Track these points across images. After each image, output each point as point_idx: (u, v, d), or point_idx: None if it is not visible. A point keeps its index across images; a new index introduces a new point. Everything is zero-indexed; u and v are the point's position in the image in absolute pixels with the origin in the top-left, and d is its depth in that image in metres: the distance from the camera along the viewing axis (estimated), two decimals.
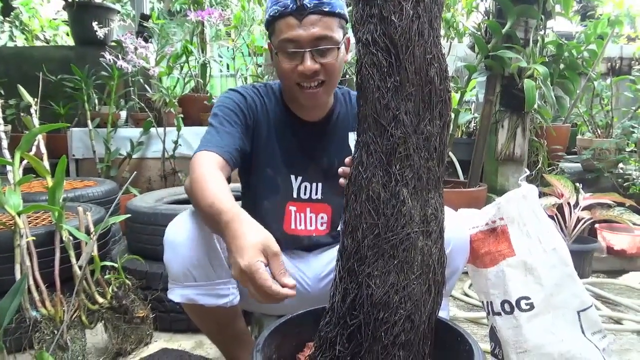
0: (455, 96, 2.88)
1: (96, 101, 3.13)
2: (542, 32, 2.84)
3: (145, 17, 3.67)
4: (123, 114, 3.35)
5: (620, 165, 2.96)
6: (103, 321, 1.57)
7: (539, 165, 2.91)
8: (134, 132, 3.00)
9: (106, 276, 1.58)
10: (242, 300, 1.24)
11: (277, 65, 1.20)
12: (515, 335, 1.13)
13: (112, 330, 1.57)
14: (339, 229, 1.24)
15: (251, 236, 0.86)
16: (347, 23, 1.20)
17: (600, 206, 2.41)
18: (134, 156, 2.96)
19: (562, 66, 2.85)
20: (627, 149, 2.94)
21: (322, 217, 1.33)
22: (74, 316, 1.48)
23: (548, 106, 2.91)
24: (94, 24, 3.22)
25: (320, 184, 1.32)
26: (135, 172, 1.61)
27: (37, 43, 4.94)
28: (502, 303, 1.16)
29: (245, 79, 3.40)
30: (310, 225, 1.33)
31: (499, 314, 1.17)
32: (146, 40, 2.84)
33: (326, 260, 1.32)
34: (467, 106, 3.58)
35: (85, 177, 2.79)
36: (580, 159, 3.00)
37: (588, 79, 3.01)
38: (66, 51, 3.96)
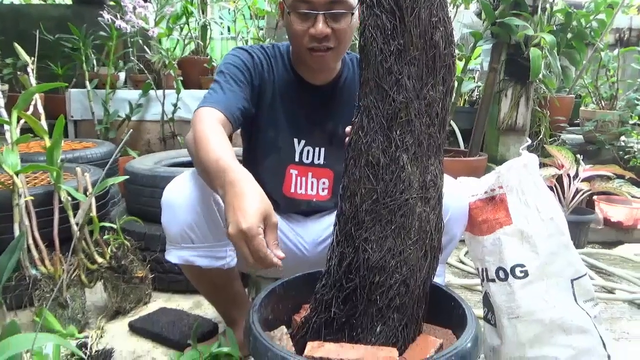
0: (459, 64, 2.84)
1: (94, 62, 3.08)
2: (551, 0, 2.77)
3: None
4: (122, 75, 3.30)
5: (622, 137, 2.94)
6: (102, 280, 1.59)
7: (541, 136, 2.89)
8: (133, 94, 2.97)
9: (105, 237, 1.59)
10: (240, 263, 1.25)
11: (288, 25, 1.18)
12: (508, 302, 1.15)
13: (111, 290, 1.59)
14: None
15: (256, 201, 0.85)
16: None
17: (600, 178, 2.41)
18: (133, 118, 2.93)
19: (569, 35, 2.80)
20: (630, 122, 2.92)
21: (323, 183, 1.33)
22: (73, 275, 1.50)
23: (553, 76, 2.86)
24: None
25: (323, 149, 1.31)
26: (131, 130, 1.59)
27: (34, 0, 4.83)
28: (497, 270, 1.17)
29: (246, 42, 3.34)
30: (311, 190, 1.33)
31: (493, 280, 1.18)
32: (145, 0, 2.77)
33: (324, 225, 1.33)
34: (470, 74, 3.53)
35: (84, 138, 2.77)
36: (582, 130, 2.98)
37: (595, 50, 2.96)
38: (64, 10, 3.87)
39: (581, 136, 3.04)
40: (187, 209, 1.12)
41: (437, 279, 1.16)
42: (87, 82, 2.86)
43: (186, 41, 3.24)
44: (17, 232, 1.46)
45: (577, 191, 2.38)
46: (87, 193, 1.59)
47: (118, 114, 2.89)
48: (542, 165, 2.47)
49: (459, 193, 1.21)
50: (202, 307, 1.69)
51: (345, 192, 0.90)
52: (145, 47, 3.05)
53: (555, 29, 2.72)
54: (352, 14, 1.15)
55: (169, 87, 2.95)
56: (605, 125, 2.82)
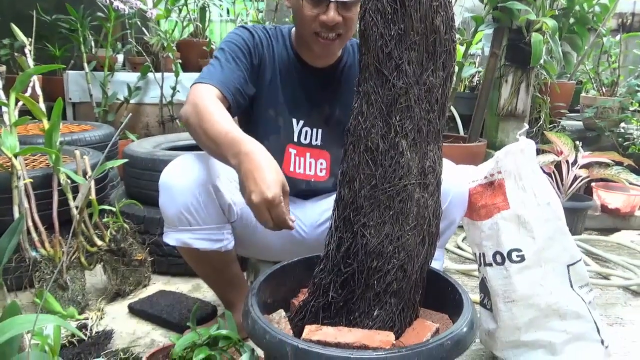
0: (460, 49, 2.81)
1: (92, 43, 3.05)
2: None
3: None
4: (120, 57, 3.27)
5: (622, 124, 2.93)
6: (102, 263, 1.60)
7: (541, 122, 2.88)
8: (132, 77, 2.94)
9: (104, 220, 1.60)
10: (238, 246, 1.26)
11: (297, 9, 1.18)
12: (504, 286, 1.16)
13: (111, 272, 1.60)
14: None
15: (275, 171, 0.93)
16: None
17: (599, 165, 2.41)
18: (132, 101, 2.92)
19: (571, 20, 2.77)
20: (631, 108, 2.91)
21: (321, 163, 1.35)
22: (73, 257, 1.51)
23: (554, 62, 2.84)
24: None
25: (320, 130, 1.33)
26: (130, 114, 1.59)
27: None
28: (494, 254, 1.18)
29: (246, 24, 3.30)
30: (310, 170, 1.34)
31: (490, 264, 1.19)
32: None
33: (323, 208, 1.33)
34: (471, 59, 3.50)
35: (82, 121, 2.76)
36: (582, 117, 2.97)
37: (597, 35, 2.93)
38: None
39: (581, 123, 3.03)
40: (185, 191, 1.12)
41: (436, 263, 1.17)
42: (85, 64, 2.84)
43: (185, 23, 3.21)
44: (16, 215, 1.46)
45: (575, 178, 2.38)
46: (87, 176, 1.59)
47: (117, 96, 2.87)
48: (541, 151, 2.47)
49: (459, 178, 1.22)
50: (201, 290, 1.70)
51: (344, 178, 0.91)
52: (143, 28, 3.02)
53: (557, 13, 2.70)
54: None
55: (167, 69, 2.93)
56: (606, 111, 2.81)
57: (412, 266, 0.88)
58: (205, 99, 1.08)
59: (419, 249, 0.89)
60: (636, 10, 3.82)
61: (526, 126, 1.30)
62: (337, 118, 1.32)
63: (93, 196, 1.53)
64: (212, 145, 1.02)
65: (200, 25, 3.29)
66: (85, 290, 1.55)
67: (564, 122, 3.01)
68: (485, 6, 2.66)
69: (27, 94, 1.63)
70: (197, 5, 3.26)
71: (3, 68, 2.72)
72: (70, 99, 2.93)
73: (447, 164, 1.07)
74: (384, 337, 0.82)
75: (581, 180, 2.38)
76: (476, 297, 1.39)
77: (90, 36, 2.99)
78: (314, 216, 1.35)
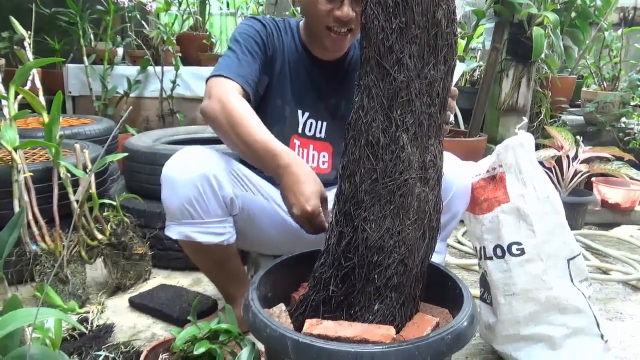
0: (462, 43, 2.81)
1: (92, 37, 3.04)
2: None
3: None
4: (120, 50, 3.26)
5: (623, 119, 2.92)
6: (102, 257, 1.60)
7: (541, 117, 2.88)
8: (131, 70, 2.94)
9: (105, 214, 1.60)
10: (239, 239, 1.26)
11: (310, 3, 1.18)
12: (504, 279, 1.16)
13: (112, 266, 1.60)
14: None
15: (313, 183, 0.99)
16: None
17: (599, 160, 2.41)
18: (132, 95, 2.91)
19: (573, 14, 2.75)
20: (632, 103, 2.90)
21: (324, 156, 1.36)
22: (73, 251, 1.51)
23: (555, 56, 2.83)
24: None
25: (325, 123, 1.34)
26: (131, 107, 1.58)
27: None
28: (495, 248, 1.18)
29: (255, 16, 3.29)
30: (312, 162, 1.35)
31: (490, 258, 1.19)
32: None
33: None
34: (472, 54, 3.49)
35: (82, 114, 2.76)
36: (583, 111, 2.96)
37: (599, 29, 2.91)
38: None
39: (582, 117, 3.02)
40: (187, 184, 1.12)
41: (437, 256, 1.17)
42: (85, 58, 2.83)
43: (185, 16, 3.19)
44: (17, 208, 1.46)
45: (575, 172, 2.38)
46: (87, 170, 1.59)
47: (116, 90, 2.87)
48: (542, 146, 2.47)
49: (462, 171, 1.23)
50: (201, 284, 1.70)
51: (345, 172, 0.90)
52: (143, 22, 3.01)
53: (559, 7, 2.68)
54: None
55: (167, 63, 2.92)
56: (607, 106, 2.80)
57: (413, 260, 0.88)
58: (232, 98, 1.09)
59: (419, 243, 0.89)
60: (638, 4, 3.79)
61: (525, 120, 1.30)
62: (342, 112, 1.33)
63: (93, 190, 1.52)
64: (249, 153, 1.07)
65: (200, 19, 3.28)
66: (85, 284, 1.55)
67: (564, 116, 3.00)
68: (486, 0, 2.65)
69: (27, 88, 1.63)
70: None
71: (2, 61, 2.71)
72: (70, 92, 2.92)
73: (449, 157, 1.07)
74: (384, 331, 0.82)
75: (581, 175, 2.38)
76: (476, 291, 1.39)
77: (89, 29, 2.98)
78: None
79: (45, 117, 1.60)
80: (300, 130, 1.33)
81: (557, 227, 1.15)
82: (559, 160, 2.40)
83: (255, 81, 1.20)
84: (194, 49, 3.16)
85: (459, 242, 2.17)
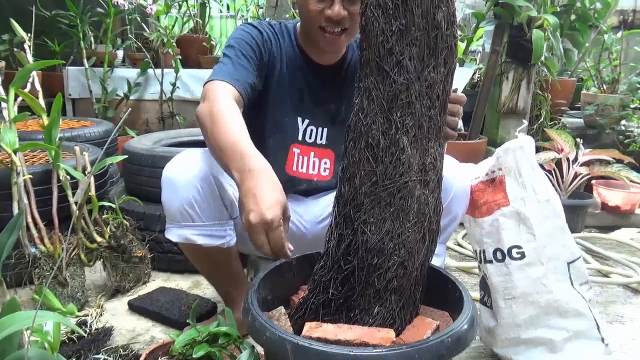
0: (461, 45, 2.81)
1: (92, 39, 3.04)
2: None
3: None
4: (120, 53, 3.26)
5: (623, 122, 2.92)
6: (102, 260, 1.60)
7: (541, 119, 2.88)
8: (131, 73, 2.94)
9: (104, 216, 1.59)
10: (239, 242, 1.25)
11: (303, 4, 1.17)
12: (504, 282, 1.16)
13: (111, 269, 1.60)
14: None
15: (278, 193, 0.89)
16: None
17: (599, 162, 2.41)
18: (132, 97, 2.91)
19: (573, 17, 2.76)
20: (632, 106, 2.90)
21: (325, 163, 1.34)
22: (72, 254, 1.51)
23: (555, 59, 2.84)
24: None
25: (326, 129, 1.32)
26: (130, 109, 1.58)
27: None
28: (495, 251, 1.18)
29: (246, 20, 3.29)
30: (313, 170, 1.33)
31: (490, 261, 1.19)
32: None
33: (324, 204, 1.33)
34: (472, 56, 3.49)
35: (82, 117, 2.76)
36: (583, 114, 2.96)
37: (598, 32, 2.92)
38: None
39: (582, 120, 3.02)
40: (188, 186, 1.12)
41: (437, 259, 1.17)
42: (85, 60, 2.83)
43: (185, 19, 3.20)
44: (16, 211, 1.46)
45: (575, 175, 2.38)
46: (86, 172, 1.59)
47: (116, 92, 2.87)
48: (542, 148, 2.47)
49: (461, 173, 1.23)
50: (200, 287, 1.70)
51: (345, 174, 0.90)
52: (143, 24, 3.01)
53: (558, 10, 2.69)
54: None
55: (167, 65, 2.92)
56: (607, 109, 2.80)
57: (413, 263, 0.88)
58: (220, 100, 1.04)
59: (419, 245, 0.89)
60: (637, 7, 3.80)
61: (525, 123, 1.30)
62: (342, 116, 1.31)
63: (93, 192, 1.52)
64: (218, 153, 0.99)
65: (200, 21, 3.28)
66: (84, 286, 1.54)
67: (564, 119, 3.01)
68: (486, 3, 2.65)
69: (27, 90, 1.63)
70: (197, 1, 3.25)
71: (2, 64, 2.71)
72: (69, 94, 2.92)
73: (449, 160, 1.07)
74: (384, 335, 0.82)
75: (581, 177, 2.38)
76: (476, 294, 1.39)
77: (90, 32, 2.98)
78: (315, 212, 1.35)
79: (45, 120, 1.59)
80: (300, 138, 1.31)
81: (558, 230, 1.15)
82: (558, 163, 2.40)
83: (252, 85, 1.17)
84: (194, 51, 3.16)
85: (459, 245, 2.16)
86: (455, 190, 1.18)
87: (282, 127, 1.29)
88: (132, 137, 2.46)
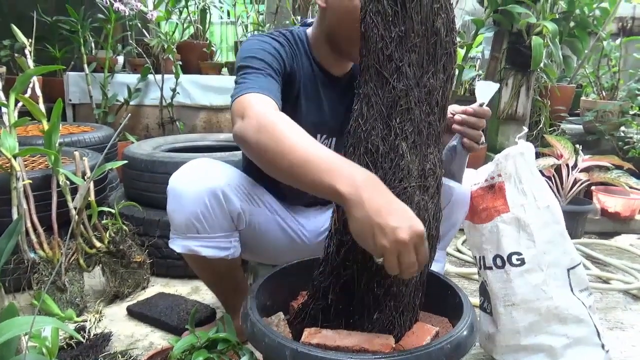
0: (461, 52, 2.82)
1: (92, 45, 3.05)
2: None
3: None
4: (120, 59, 3.28)
5: (622, 128, 2.93)
6: (101, 265, 1.59)
7: (541, 126, 2.88)
8: (132, 78, 2.95)
9: (103, 221, 1.59)
10: (242, 251, 1.24)
11: (347, 11, 1.06)
12: (504, 289, 1.16)
13: (110, 274, 1.59)
14: None
15: (408, 213, 0.77)
16: None
17: (599, 168, 2.41)
18: (132, 103, 2.92)
19: (572, 24, 2.77)
20: (631, 112, 2.91)
21: None
22: (71, 259, 1.50)
23: (554, 65, 2.85)
24: None
25: (334, 139, 1.27)
26: (130, 114, 1.58)
27: None
28: (495, 258, 1.17)
29: (246, 26, 3.30)
30: None
31: (490, 268, 1.19)
32: None
33: (326, 216, 1.32)
34: (472, 62, 3.50)
35: (82, 122, 2.76)
36: (582, 120, 2.97)
37: (597, 39, 2.93)
38: None
39: (581, 126, 3.03)
40: (196, 200, 1.09)
41: (437, 265, 1.16)
42: (86, 66, 2.84)
43: (185, 25, 3.21)
44: (15, 216, 1.46)
45: (575, 181, 2.38)
46: (85, 177, 1.59)
47: (116, 98, 2.88)
48: (542, 155, 2.47)
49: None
50: (199, 293, 1.70)
51: None
52: (143, 30, 3.02)
53: (557, 17, 2.70)
54: None
55: (167, 71, 2.93)
56: (606, 115, 2.81)
57: None
58: (270, 112, 0.92)
59: None
60: (636, 14, 3.82)
61: (525, 129, 1.30)
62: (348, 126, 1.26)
63: (92, 198, 1.52)
64: (297, 169, 0.82)
65: (201, 27, 3.29)
66: (83, 292, 1.54)
67: (564, 125, 3.01)
68: (485, 9, 2.67)
69: (27, 95, 1.63)
70: (197, 7, 3.26)
71: (3, 69, 2.72)
72: (70, 100, 2.93)
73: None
74: (383, 341, 0.82)
75: (581, 183, 2.38)
76: (476, 300, 1.38)
77: (90, 37, 3.00)
78: (317, 223, 1.34)
79: (45, 125, 1.60)
80: None
81: (558, 237, 1.15)
82: (558, 169, 2.40)
83: (280, 97, 1.04)
84: (194, 57, 3.17)
85: (459, 251, 2.16)
86: (454, 196, 1.17)
87: None
88: (132, 142, 2.47)
